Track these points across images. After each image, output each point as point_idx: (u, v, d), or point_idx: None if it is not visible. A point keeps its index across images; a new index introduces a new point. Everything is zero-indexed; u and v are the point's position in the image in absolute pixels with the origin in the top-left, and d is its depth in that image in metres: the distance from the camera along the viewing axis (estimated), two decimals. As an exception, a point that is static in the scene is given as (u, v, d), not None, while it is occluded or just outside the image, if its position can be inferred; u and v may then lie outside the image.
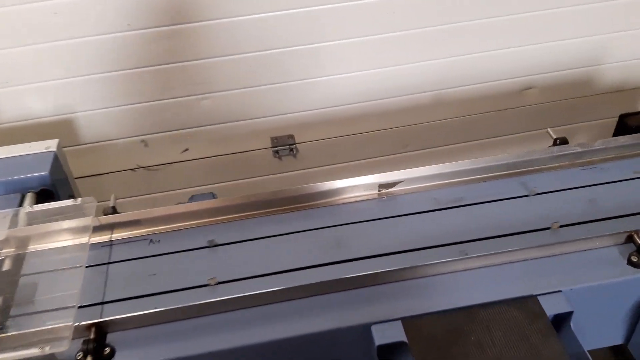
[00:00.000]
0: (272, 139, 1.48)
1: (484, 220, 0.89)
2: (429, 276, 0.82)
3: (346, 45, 1.38)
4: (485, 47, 1.45)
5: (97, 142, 1.36)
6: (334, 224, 0.91)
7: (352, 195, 0.95)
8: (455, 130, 1.56)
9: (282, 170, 1.54)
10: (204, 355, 0.75)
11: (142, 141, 1.39)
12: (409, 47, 1.41)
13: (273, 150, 1.49)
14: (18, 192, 1.01)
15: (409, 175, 0.95)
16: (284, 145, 1.49)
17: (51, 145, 1.08)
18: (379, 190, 0.95)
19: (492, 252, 0.82)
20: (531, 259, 0.83)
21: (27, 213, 0.90)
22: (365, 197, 0.95)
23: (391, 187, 0.95)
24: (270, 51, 1.34)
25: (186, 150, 1.43)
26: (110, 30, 1.23)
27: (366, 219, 0.91)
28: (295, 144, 1.49)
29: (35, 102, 1.28)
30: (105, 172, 1.40)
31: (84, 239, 0.86)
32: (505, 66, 1.49)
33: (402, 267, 0.81)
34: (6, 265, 0.84)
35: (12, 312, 0.77)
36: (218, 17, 1.27)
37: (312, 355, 0.78)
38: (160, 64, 1.29)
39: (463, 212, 0.91)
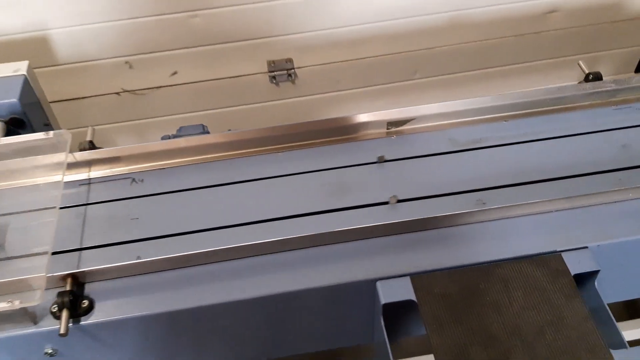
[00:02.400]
0: (269, 62, 1.35)
1: (504, 165, 0.80)
2: (442, 228, 0.74)
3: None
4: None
5: (75, 62, 1.23)
6: (336, 166, 0.82)
7: (358, 134, 0.86)
8: (471, 56, 1.43)
9: (279, 97, 1.43)
10: (191, 309, 0.68)
11: (127, 62, 1.26)
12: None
13: (269, 76, 1.37)
14: (-5, 119, 0.92)
15: (421, 113, 0.85)
16: (281, 70, 1.36)
17: (20, 67, 0.96)
18: (387, 129, 0.85)
19: (512, 204, 0.74)
20: (555, 211, 0.75)
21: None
22: (372, 136, 0.86)
23: (401, 125, 0.85)
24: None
25: (175, 73, 1.31)
26: None
27: (372, 161, 0.82)
28: (294, 68, 1.36)
29: (1, 17, 1.14)
30: (86, 95, 1.28)
31: (58, 177, 0.77)
32: (528, -14, 1.34)
33: (412, 218, 0.73)
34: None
35: (-21, 259, 0.70)
36: None
37: (311, 313, 0.71)
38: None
39: (482, 156, 0.81)
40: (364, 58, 1.41)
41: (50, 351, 0.69)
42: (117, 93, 1.31)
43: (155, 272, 0.72)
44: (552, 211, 0.75)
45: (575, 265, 0.70)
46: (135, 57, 1.27)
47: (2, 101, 0.90)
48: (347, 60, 1.40)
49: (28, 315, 0.66)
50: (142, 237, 0.74)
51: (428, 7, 1.32)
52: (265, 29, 1.30)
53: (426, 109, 0.85)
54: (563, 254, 0.70)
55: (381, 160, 0.82)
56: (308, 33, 1.34)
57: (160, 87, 1.32)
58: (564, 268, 0.70)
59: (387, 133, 0.85)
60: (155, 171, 0.82)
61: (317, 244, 0.73)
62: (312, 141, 0.84)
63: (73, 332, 0.67)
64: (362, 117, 0.84)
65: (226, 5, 1.24)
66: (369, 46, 1.38)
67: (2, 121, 0.91)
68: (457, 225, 0.74)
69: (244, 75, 1.36)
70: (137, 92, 1.30)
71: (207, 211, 0.76)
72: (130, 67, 1.27)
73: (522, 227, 0.74)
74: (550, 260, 0.70)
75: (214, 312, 0.69)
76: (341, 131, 0.85)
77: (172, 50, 1.28)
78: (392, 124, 0.85)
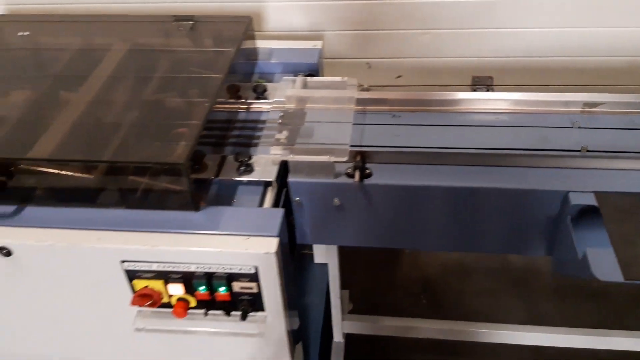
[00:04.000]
0: (474, 77, 1.70)
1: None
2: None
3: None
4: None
5: (332, 58, 1.69)
6: (538, 125, 1.13)
7: (555, 109, 1.16)
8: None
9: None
10: (434, 187, 1.01)
11: (367, 63, 1.70)
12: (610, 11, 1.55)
13: (471, 88, 1.71)
14: (291, 73, 1.36)
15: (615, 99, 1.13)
16: (482, 85, 1.70)
17: (317, 44, 1.42)
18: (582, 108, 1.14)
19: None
20: None
21: (309, 81, 1.23)
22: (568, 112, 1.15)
23: (595, 106, 1.14)
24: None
25: (399, 76, 1.71)
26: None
27: (568, 126, 1.11)
28: (492, 85, 1.69)
29: (297, 18, 1.64)
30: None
31: (351, 105, 1.16)
32: None
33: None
34: (293, 112, 1.17)
35: (299, 140, 1.10)
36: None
37: (504, 215, 1.01)
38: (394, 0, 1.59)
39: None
40: (551, 85, 1.70)
41: (337, 202, 1.06)
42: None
43: (410, 163, 1.07)
44: None
45: None
46: (374, 59, 1.70)
47: (306, 62, 1.37)
48: (537, 85, 1.70)
49: (332, 171, 1.03)
50: (402, 144, 1.10)
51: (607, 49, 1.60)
52: (474, 49, 1.67)
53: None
54: None
55: (575, 127, 1.11)
56: (509, 58, 1.68)
57: (386, 85, 1.73)
58: None
59: (582, 111, 1.15)
60: (407, 112, 1.20)
61: (522, 165, 1.03)
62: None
63: (356, 190, 1.03)
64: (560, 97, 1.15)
65: (450, 28, 1.63)
66: (556, 76, 1.68)
67: (303, 74, 1.36)
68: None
69: (450, 85, 1.72)
70: (370, 88, 1.72)
71: (445, 137, 1.11)
72: (369, 67, 1.70)
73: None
74: None
75: (445, 193, 1.02)
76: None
77: (402, 58, 1.69)
78: (587, 104, 1.14)
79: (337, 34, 1.67)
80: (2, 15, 1.60)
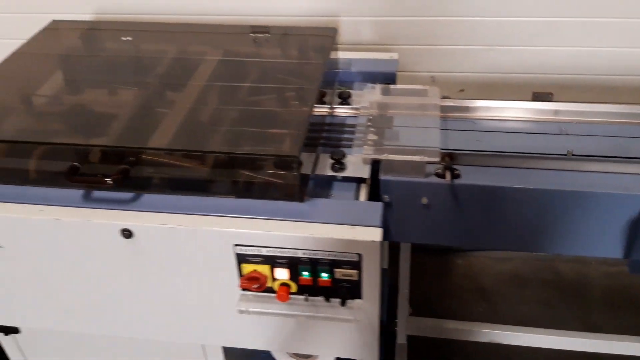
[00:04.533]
0: (534, 93, 1.76)
1: None
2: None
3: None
4: None
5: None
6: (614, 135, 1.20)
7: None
8: None
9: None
10: (522, 189, 1.07)
11: (432, 77, 1.78)
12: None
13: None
14: (369, 82, 1.44)
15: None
16: (542, 101, 1.76)
17: (394, 55, 1.50)
18: (656, 120, 1.21)
19: None
20: None
21: (392, 89, 1.31)
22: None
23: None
24: (555, 19, 1.65)
25: (462, 90, 1.79)
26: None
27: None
28: (552, 101, 1.76)
29: (367, 32, 1.73)
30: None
31: (436, 112, 1.23)
32: None
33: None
34: (381, 117, 1.24)
35: (389, 142, 1.17)
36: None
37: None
38: (466, 17, 1.67)
39: None
40: (610, 103, 1.76)
41: (425, 202, 1.13)
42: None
43: (493, 166, 1.13)
44: None
45: None
46: (437, 73, 1.78)
47: (384, 71, 1.45)
48: (595, 102, 1.76)
49: (423, 170, 1.10)
50: (485, 149, 1.17)
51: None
52: (535, 66, 1.74)
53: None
54: None
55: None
56: (567, 75, 1.74)
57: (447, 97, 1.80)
58: None
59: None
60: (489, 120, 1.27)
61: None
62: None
63: (446, 189, 1.10)
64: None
65: (516, 45, 1.70)
66: (617, 94, 1.74)
67: (380, 84, 1.45)
68: None
69: (510, 100, 1.78)
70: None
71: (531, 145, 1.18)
72: (433, 80, 1.78)
73: None
74: None
75: (529, 196, 1.08)
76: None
77: (464, 72, 1.77)
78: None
79: (402, 48, 1.75)
80: (99, 22, 1.71)
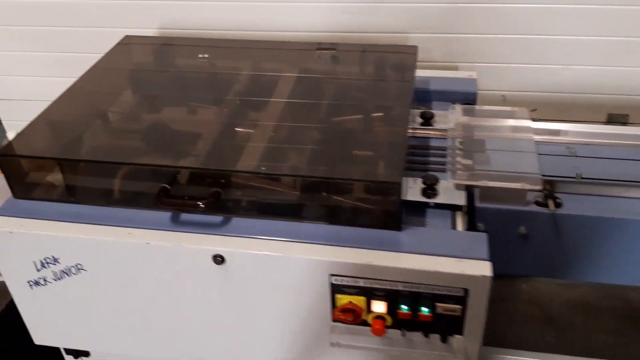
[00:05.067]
0: (609, 114, 1.70)
1: None
2: None
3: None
4: None
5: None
6: None
7: None
8: None
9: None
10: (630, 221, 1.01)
11: (502, 96, 1.72)
12: None
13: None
14: (448, 101, 1.39)
15: None
16: (617, 122, 1.70)
17: (472, 74, 1.45)
18: None
19: None
20: None
21: (477, 110, 1.26)
22: None
23: None
24: (633, 38, 1.59)
25: (534, 110, 1.72)
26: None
27: None
28: (627, 123, 1.69)
29: (436, 50, 1.69)
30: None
31: (529, 134, 1.17)
32: None
33: None
34: (472, 140, 1.18)
35: (482, 167, 1.12)
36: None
37: None
38: (541, 35, 1.62)
39: None
40: (690, 126, 1.68)
41: (524, 231, 1.07)
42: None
43: (594, 195, 1.08)
44: None
45: None
46: (509, 92, 1.72)
47: (464, 91, 1.40)
48: (677, 124, 1.69)
49: (524, 198, 1.05)
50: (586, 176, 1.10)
51: None
52: (611, 86, 1.67)
53: None
54: None
55: None
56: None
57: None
58: None
59: None
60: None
61: None
62: None
63: (547, 219, 1.04)
64: None
65: (591, 64, 1.64)
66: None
67: (460, 103, 1.39)
68: None
69: (585, 122, 1.72)
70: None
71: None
72: (504, 99, 1.72)
73: None
74: None
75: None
76: None
77: (539, 92, 1.71)
78: None
79: (471, 65, 1.70)
80: (171, 37, 1.68)
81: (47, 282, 1.06)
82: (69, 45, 1.87)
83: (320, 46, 1.50)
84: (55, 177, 1.09)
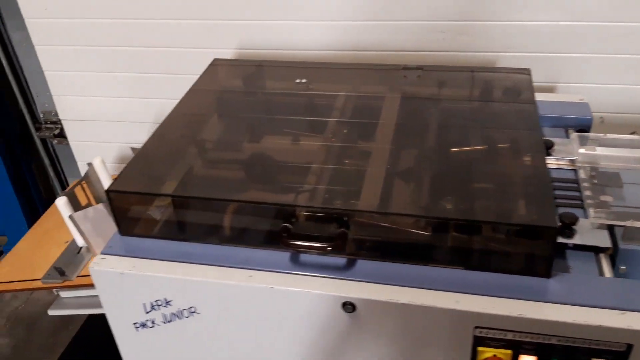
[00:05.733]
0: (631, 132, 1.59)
1: None
2: None
3: None
4: None
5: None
6: None
7: None
8: None
9: None
10: None
11: (600, 118, 1.62)
12: None
13: None
14: (561, 127, 1.30)
15: None
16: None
17: (583, 98, 1.36)
18: None
19: None
20: None
21: (601, 139, 1.16)
22: None
23: None
24: None
25: (633, 133, 1.62)
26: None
27: None
28: None
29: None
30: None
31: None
32: None
33: None
34: (606, 173, 1.09)
35: (622, 202, 1.02)
36: None
37: None
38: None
39: None
40: None
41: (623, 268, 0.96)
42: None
43: None
44: None
45: None
46: (606, 114, 1.62)
47: (577, 117, 1.30)
48: None
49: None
50: None
51: None
52: None
53: None
54: None
55: None
56: None
57: (617, 141, 1.65)
58: None
59: None
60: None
61: None
62: None
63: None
64: None
65: (615, 83, 1.55)
66: None
67: (573, 130, 1.30)
68: None
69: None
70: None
71: None
72: (602, 122, 1.62)
73: None
74: None
75: None
76: None
77: (636, 114, 1.61)
78: None
79: (568, 87, 1.61)
80: (261, 60, 1.61)
81: (155, 325, 1.00)
82: (140, 65, 1.83)
83: (406, 67, 1.43)
84: (162, 212, 1.03)
